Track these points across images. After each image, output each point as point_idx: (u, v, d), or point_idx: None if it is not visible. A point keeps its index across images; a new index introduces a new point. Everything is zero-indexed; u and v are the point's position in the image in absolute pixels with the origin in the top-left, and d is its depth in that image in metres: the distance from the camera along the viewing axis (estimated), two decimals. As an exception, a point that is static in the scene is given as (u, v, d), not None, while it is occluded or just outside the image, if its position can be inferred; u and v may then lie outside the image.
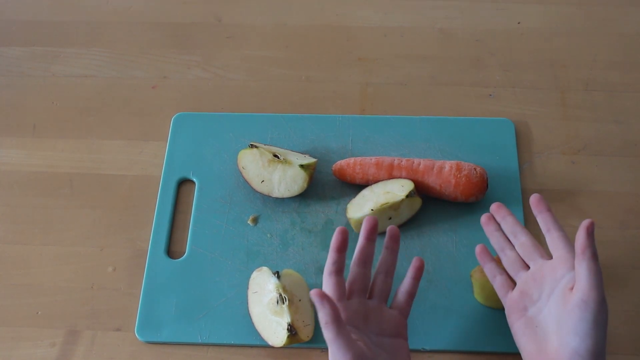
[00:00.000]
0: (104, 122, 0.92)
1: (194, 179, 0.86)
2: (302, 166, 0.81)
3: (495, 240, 0.72)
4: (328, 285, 0.67)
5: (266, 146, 0.84)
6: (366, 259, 0.70)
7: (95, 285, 0.80)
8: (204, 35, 1.00)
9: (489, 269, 0.72)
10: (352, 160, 0.83)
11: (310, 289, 0.76)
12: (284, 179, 0.81)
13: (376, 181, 0.82)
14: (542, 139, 0.89)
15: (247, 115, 0.91)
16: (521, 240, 0.70)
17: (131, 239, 0.83)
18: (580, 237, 0.61)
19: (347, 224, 0.82)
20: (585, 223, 0.61)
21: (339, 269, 0.67)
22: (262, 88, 0.94)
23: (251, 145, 0.83)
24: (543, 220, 0.69)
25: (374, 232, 0.69)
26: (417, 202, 0.80)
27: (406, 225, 0.81)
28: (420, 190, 0.81)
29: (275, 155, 0.82)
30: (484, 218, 0.74)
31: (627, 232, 0.82)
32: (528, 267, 0.69)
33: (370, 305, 0.68)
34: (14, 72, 0.98)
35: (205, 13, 1.02)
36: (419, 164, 0.81)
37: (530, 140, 0.88)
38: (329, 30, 1.00)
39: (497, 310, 0.76)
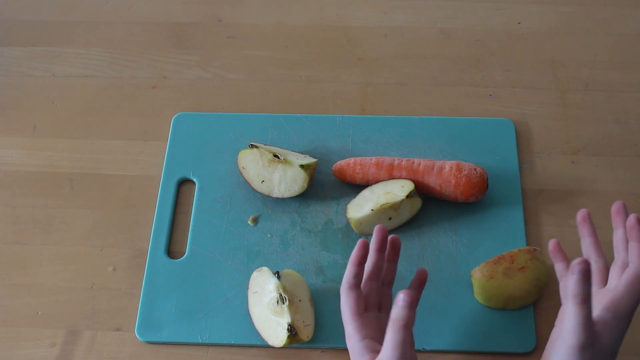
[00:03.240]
0: (104, 122, 0.92)
1: (194, 179, 0.86)
2: (302, 166, 0.81)
3: (586, 244, 0.68)
4: (349, 298, 0.66)
5: (266, 146, 0.84)
6: (379, 272, 0.70)
7: (95, 285, 0.80)
8: (204, 35, 1.00)
9: (560, 268, 0.68)
10: (352, 160, 0.83)
11: (310, 289, 0.77)
12: (284, 179, 0.81)
13: (376, 181, 0.82)
14: (542, 139, 0.89)
15: (247, 115, 0.91)
16: (625, 259, 0.65)
17: (131, 239, 0.83)
18: (571, 282, 0.56)
19: (347, 224, 0.82)
20: (578, 267, 0.55)
21: (359, 283, 0.67)
22: (262, 88, 0.94)
23: (251, 145, 0.83)
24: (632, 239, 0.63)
25: (385, 243, 0.69)
26: (417, 203, 0.80)
27: (406, 226, 0.81)
28: (421, 191, 0.81)
29: (276, 155, 0.82)
30: (581, 216, 0.68)
31: (627, 232, 0.81)
32: (605, 283, 0.66)
33: (382, 318, 0.68)
34: (14, 72, 0.97)
35: (205, 13, 1.02)
36: (419, 164, 0.81)
37: (530, 140, 0.88)
38: (329, 30, 1.00)
39: (497, 310, 0.76)
